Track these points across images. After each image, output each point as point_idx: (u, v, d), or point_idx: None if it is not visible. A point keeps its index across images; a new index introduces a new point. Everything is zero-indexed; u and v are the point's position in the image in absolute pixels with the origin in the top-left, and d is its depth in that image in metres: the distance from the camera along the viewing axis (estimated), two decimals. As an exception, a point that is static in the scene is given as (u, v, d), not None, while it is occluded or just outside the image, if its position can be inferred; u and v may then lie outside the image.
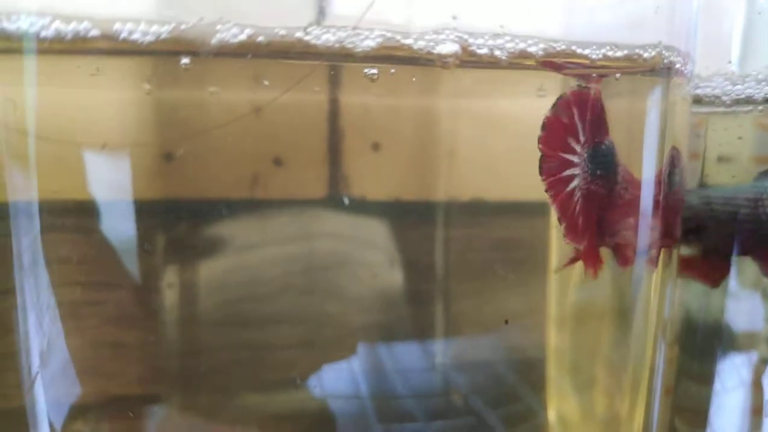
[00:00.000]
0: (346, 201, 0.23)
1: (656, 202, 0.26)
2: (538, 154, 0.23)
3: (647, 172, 0.26)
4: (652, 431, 0.30)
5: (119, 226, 0.22)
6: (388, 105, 0.22)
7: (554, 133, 0.23)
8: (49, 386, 0.22)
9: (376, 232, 0.24)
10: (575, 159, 0.24)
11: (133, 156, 0.22)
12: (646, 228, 0.26)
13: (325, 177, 0.23)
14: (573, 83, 0.24)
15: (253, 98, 0.21)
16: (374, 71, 0.21)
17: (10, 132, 0.21)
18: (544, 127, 0.23)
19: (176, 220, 0.22)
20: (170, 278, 0.23)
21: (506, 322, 0.25)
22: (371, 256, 0.24)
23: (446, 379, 0.26)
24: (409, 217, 0.24)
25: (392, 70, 0.21)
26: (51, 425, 0.22)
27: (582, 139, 0.23)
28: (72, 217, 0.22)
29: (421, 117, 0.23)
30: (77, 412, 0.23)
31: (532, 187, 0.25)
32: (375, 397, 0.25)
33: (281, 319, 0.24)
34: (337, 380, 0.24)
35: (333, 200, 0.23)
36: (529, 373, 0.27)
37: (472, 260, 0.25)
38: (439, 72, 0.22)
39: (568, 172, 0.23)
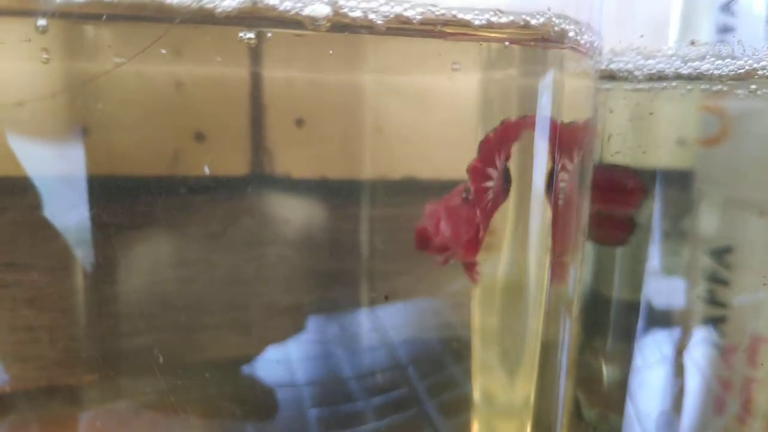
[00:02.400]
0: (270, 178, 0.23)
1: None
2: (459, 132, 0.23)
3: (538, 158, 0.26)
4: (558, 406, 0.30)
5: (32, 203, 0.21)
6: (310, 78, 0.22)
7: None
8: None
9: (302, 211, 0.23)
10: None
11: (45, 129, 0.21)
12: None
13: (248, 153, 0.22)
14: (494, 56, 0.24)
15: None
16: (251, 35, 0.20)
17: None
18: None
19: (94, 197, 0.22)
20: (87, 259, 0.22)
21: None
22: (296, 235, 0.24)
23: (373, 357, 0.26)
24: (336, 196, 0.24)
25: (269, 35, 0.21)
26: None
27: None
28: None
29: (344, 91, 0.23)
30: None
31: (459, 166, 0.25)
32: (309, 380, 0.25)
33: (205, 300, 0.23)
34: (264, 362, 0.24)
35: (256, 178, 0.23)
36: (451, 349, 0.27)
37: (399, 240, 0.25)
38: (351, 42, 0.21)
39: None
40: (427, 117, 0.24)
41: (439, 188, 0.25)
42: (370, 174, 0.24)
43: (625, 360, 0.36)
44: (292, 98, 0.22)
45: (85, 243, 0.22)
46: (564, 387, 0.30)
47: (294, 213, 0.23)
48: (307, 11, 0.20)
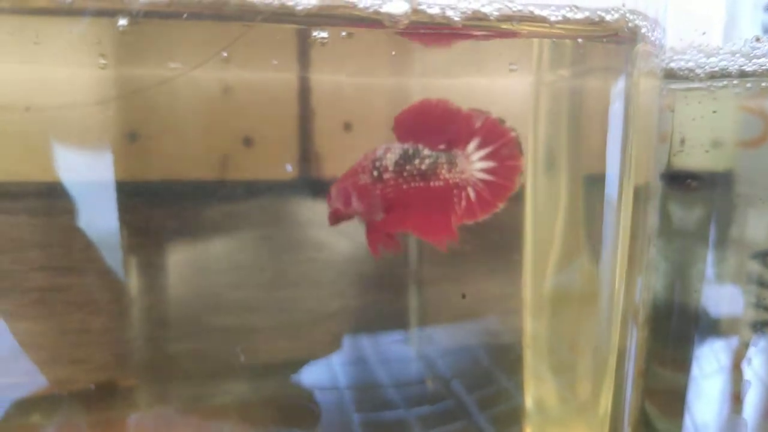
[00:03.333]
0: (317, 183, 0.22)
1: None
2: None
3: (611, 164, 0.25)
4: (624, 414, 0.29)
5: (84, 208, 0.21)
6: (358, 82, 0.22)
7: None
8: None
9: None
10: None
11: (98, 135, 0.21)
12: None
13: (296, 157, 0.22)
14: (546, 55, 0.23)
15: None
16: (324, 34, 0.20)
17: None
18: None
19: (144, 202, 0.22)
20: (137, 263, 0.22)
21: (463, 296, 0.24)
22: (343, 240, 0.23)
23: (422, 364, 0.25)
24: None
25: (343, 33, 0.20)
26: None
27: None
28: (32, 200, 0.21)
29: (392, 95, 0.22)
30: (43, 401, 0.22)
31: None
32: (352, 384, 0.24)
33: (253, 305, 0.23)
34: (311, 366, 0.24)
35: (303, 182, 0.22)
36: (504, 357, 0.27)
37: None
38: (408, 44, 0.21)
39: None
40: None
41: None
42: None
43: (687, 368, 0.34)
44: (340, 102, 0.22)
45: (135, 247, 0.22)
46: (630, 396, 0.29)
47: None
48: (386, 8, 0.20)
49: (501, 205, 0.22)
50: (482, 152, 0.21)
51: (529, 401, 0.27)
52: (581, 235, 0.26)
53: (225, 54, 0.20)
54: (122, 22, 0.19)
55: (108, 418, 0.23)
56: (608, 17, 0.23)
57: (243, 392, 0.24)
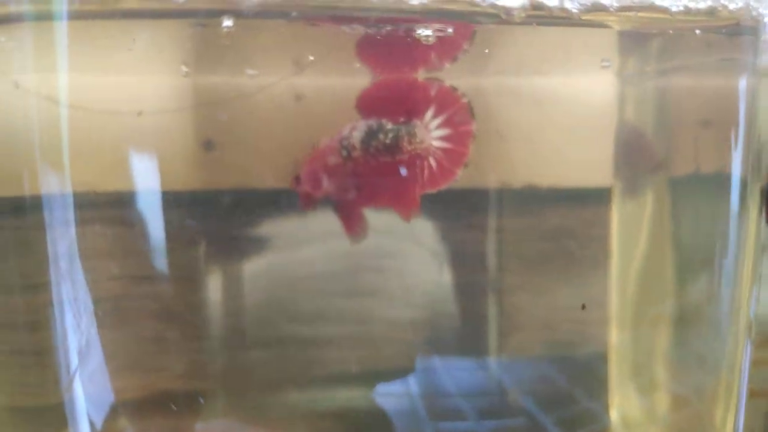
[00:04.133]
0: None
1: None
2: (599, 136, 0.22)
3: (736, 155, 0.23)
4: None
5: (159, 217, 0.21)
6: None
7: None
8: (89, 383, 0.22)
9: (423, 224, 0.23)
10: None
11: (173, 143, 0.21)
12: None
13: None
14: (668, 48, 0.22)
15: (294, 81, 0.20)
16: (428, 32, 0.20)
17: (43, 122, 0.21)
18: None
19: (218, 211, 0.22)
20: (212, 271, 0.22)
21: (583, 307, 0.23)
22: (418, 249, 0.23)
23: (499, 377, 0.24)
24: (454, 206, 0.23)
25: (449, 30, 0.20)
26: (91, 423, 0.22)
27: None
28: (109, 209, 0.22)
29: (473, 95, 0.22)
30: (120, 408, 0.22)
31: (589, 173, 0.23)
32: (425, 395, 0.24)
33: (326, 315, 0.23)
34: (386, 377, 0.23)
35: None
36: (588, 372, 0.25)
37: (524, 251, 0.24)
38: (489, 41, 0.20)
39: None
40: (554, 120, 0.23)
41: (561, 197, 0.24)
42: (490, 182, 0.23)
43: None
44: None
45: (210, 256, 0.22)
46: (743, 414, 0.27)
47: (413, 224, 0.23)
48: (504, 1, 0.20)
49: (459, 172, 0.22)
50: (438, 120, 0.21)
51: (615, 418, 0.25)
52: (694, 243, 0.25)
53: (311, 58, 0.20)
54: (227, 23, 0.19)
55: (182, 425, 0.23)
56: (732, 6, 0.22)
57: (315, 402, 0.23)
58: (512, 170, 0.23)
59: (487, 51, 0.20)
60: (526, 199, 0.24)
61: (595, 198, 0.24)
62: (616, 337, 0.25)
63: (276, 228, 0.22)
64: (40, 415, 0.23)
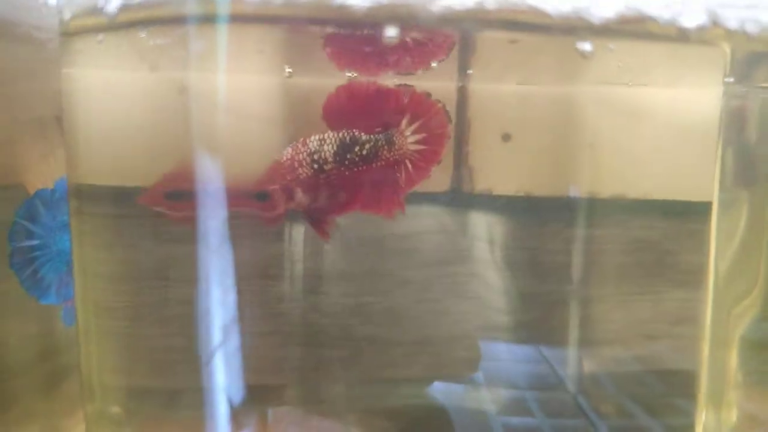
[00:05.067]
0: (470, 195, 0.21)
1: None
2: (698, 149, 0.20)
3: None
4: None
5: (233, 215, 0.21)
6: (520, 91, 0.20)
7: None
8: (227, 365, 0.22)
9: (502, 229, 0.22)
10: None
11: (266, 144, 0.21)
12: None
13: (450, 169, 0.21)
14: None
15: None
16: (587, 46, 0.18)
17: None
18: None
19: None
20: (293, 268, 0.22)
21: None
22: (495, 254, 0.22)
23: (575, 391, 0.24)
24: (540, 214, 0.22)
25: (611, 47, 0.18)
26: (230, 403, 0.22)
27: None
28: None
29: (557, 103, 0.21)
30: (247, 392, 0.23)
31: (684, 186, 0.22)
32: (494, 391, 0.23)
33: (400, 314, 0.23)
34: (456, 380, 0.23)
35: (457, 194, 0.21)
36: (672, 390, 0.24)
37: (609, 263, 0.23)
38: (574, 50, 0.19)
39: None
40: (649, 132, 0.21)
41: (647, 209, 0.23)
42: (578, 191, 0.22)
43: None
44: (500, 112, 0.21)
45: (290, 255, 0.22)
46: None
47: (491, 231, 0.22)
48: (683, 20, 0.18)
49: (433, 170, 0.21)
50: (414, 126, 0.21)
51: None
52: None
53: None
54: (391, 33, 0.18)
55: (255, 413, 0.24)
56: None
57: (385, 398, 0.24)
58: (601, 180, 0.22)
59: (582, 60, 0.19)
60: (613, 210, 0.22)
61: (689, 211, 0.23)
62: (702, 354, 0.24)
63: (355, 229, 0.22)
64: (178, 396, 0.23)
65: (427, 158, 0.21)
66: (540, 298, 0.23)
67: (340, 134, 0.21)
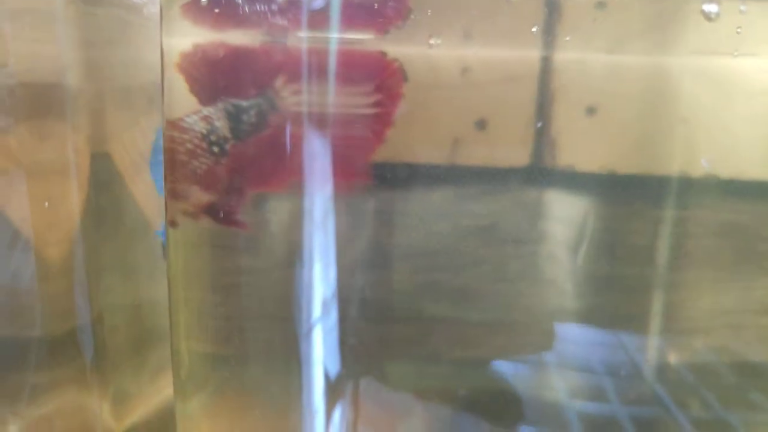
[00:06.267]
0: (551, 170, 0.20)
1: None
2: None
3: None
4: None
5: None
6: (607, 61, 0.19)
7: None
8: (326, 336, 0.22)
9: (584, 208, 0.21)
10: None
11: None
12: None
13: (530, 143, 0.20)
14: None
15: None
16: (714, 8, 0.17)
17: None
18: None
19: (377, 183, 0.21)
20: (361, 243, 0.22)
21: None
22: (575, 234, 0.21)
23: (652, 380, 0.23)
24: (625, 193, 0.21)
25: (742, 8, 0.17)
26: (326, 374, 0.23)
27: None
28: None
29: (646, 75, 0.19)
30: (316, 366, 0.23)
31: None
32: (568, 376, 0.23)
33: (471, 293, 0.22)
34: (529, 363, 0.23)
35: (537, 169, 0.21)
36: (755, 384, 0.23)
37: (693, 246, 0.22)
38: (669, 16, 0.18)
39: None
40: (745, 109, 0.20)
41: (741, 189, 0.21)
42: (667, 170, 0.21)
43: None
44: (585, 84, 0.20)
45: (358, 228, 0.22)
46: None
47: (573, 210, 0.21)
48: None
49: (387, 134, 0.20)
50: (370, 86, 0.20)
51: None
52: None
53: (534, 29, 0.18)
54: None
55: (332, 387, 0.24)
56: None
57: (454, 379, 0.23)
58: (694, 157, 0.21)
59: (672, 28, 0.18)
60: (704, 190, 0.21)
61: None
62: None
63: (426, 203, 0.21)
64: (276, 366, 0.24)
65: (383, 121, 0.20)
66: (620, 281, 0.22)
67: (218, 106, 0.19)
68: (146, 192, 0.28)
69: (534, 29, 0.19)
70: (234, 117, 0.20)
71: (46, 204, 0.23)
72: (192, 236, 0.24)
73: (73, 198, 0.24)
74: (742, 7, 0.17)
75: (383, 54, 0.20)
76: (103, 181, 0.25)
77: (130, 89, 0.26)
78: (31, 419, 0.24)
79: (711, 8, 0.17)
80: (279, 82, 0.20)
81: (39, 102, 0.22)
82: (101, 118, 0.25)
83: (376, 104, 0.20)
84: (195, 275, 0.24)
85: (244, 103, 0.20)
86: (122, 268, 0.27)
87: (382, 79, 0.20)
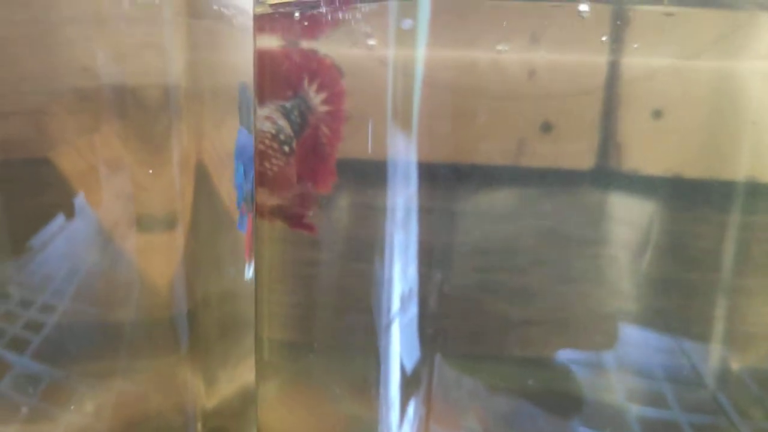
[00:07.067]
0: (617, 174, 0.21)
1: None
2: None
3: None
4: None
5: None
6: (674, 66, 0.20)
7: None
8: (405, 330, 0.23)
9: (648, 212, 0.21)
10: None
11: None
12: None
13: (596, 146, 0.21)
14: None
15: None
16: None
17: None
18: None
19: (437, 182, 0.22)
20: (429, 240, 0.23)
21: None
22: (636, 237, 0.21)
23: (714, 387, 0.22)
24: (690, 197, 0.21)
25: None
26: (402, 367, 0.23)
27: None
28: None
29: (714, 79, 0.20)
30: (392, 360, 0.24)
31: None
32: (627, 381, 0.23)
33: (532, 293, 0.23)
34: (587, 364, 0.23)
35: (602, 172, 0.21)
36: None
37: (761, 253, 0.21)
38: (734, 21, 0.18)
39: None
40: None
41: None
42: (734, 174, 0.21)
43: None
44: (652, 88, 0.20)
45: (420, 225, 0.23)
46: None
47: (637, 213, 0.21)
48: None
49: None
50: (314, 85, 0.20)
51: None
52: None
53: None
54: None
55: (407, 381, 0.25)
56: None
57: (510, 378, 0.24)
58: (763, 162, 0.20)
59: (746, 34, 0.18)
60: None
61: None
62: None
63: (491, 203, 0.22)
64: (353, 359, 0.25)
65: (336, 119, 0.21)
66: (683, 286, 0.22)
67: (274, 105, 0.20)
68: (230, 189, 0.30)
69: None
70: (289, 115, 0.21)
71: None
72: (273, 231, 0.26)
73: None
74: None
75: (314, 52, 0.20)
76: (198, 176, 0.27)
77: (217, 91, 0.28)
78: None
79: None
80: (305, 83, 0.21)
81: (146, 102, 0.24)
82: (198, 117, 0.27)
83: (327, 102, 0.21)
84: (277, 268, 0.26)
85: (288, 104, 0.21)
86: (214, 261, 0.29)
87: (323, 77, 0.21)
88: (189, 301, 0.27)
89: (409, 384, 0.23)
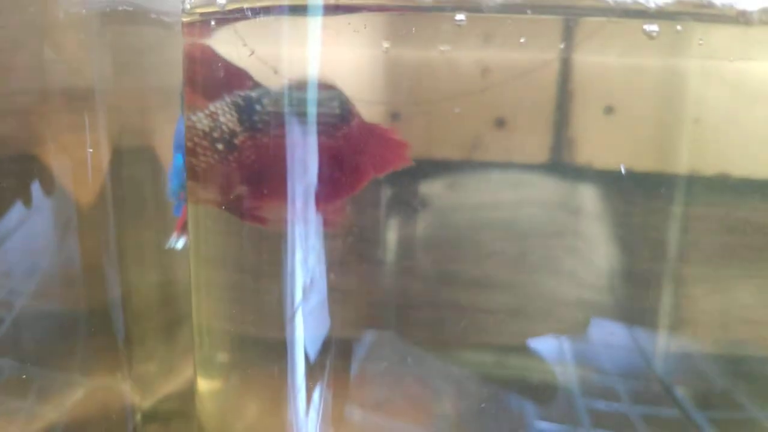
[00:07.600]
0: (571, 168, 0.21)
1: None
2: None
3: None
4: None
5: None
6: (625, 64, 0.20)
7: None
8: (309, 319, 0.24)
9: (600, 204, 0.22)
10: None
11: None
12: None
13: (549, 141, 0.21)
14: None
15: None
16: (654, 28, 0.19)
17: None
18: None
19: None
20: (387, 232, 0.23)
21: None
22: (591, 228, 0.22)
23: (659, 365, 0.23)
24: (639, 190, 0.22)
25: (678, 27, 0.19)
26: (306, 356, 0.24)
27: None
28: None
29: (662, 78, 0.20)
30: (325, 346, 0.24)
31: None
32: (580, 373, 0.23)
33: (488, 284, 0.23)
34: (540, 352, 0.23)
35: (555, 166, 0.22)
36: (760, 377, 0.23)
37: (708, 243, 0.22)
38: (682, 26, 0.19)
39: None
40: (756, 109, 0.21)
41: (754, 188, 0.22)
42: (680, 168, 0.22)
43: None
44: (603, 85, 0.21)
45: (385, 219, 0.23)
46: None
47: (590, 205, 0.22)
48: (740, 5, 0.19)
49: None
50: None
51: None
52: None
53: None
54: (460, 17, 0.19)
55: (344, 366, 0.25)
56: None
57: (468, 366, 0.24)
58: (705, 157, 0.21)
59: (684, 32, 0.19)
60: (715, 188, 0.22)
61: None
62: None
63: (446, 197, 0.22)
64: (263, 345, 0.25)
65: None
66: (634, 276, 0.23)
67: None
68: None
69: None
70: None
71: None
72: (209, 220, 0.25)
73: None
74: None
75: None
76: (143, 168, 0.27)
77: (169, 89, 0.28)
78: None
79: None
80: None
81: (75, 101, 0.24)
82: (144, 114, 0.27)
83: None
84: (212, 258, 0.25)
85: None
86: (151, 250, 0.28)
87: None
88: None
89: (313, 371, 0.23)
